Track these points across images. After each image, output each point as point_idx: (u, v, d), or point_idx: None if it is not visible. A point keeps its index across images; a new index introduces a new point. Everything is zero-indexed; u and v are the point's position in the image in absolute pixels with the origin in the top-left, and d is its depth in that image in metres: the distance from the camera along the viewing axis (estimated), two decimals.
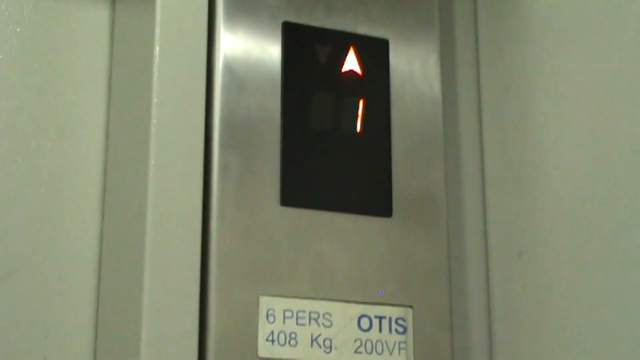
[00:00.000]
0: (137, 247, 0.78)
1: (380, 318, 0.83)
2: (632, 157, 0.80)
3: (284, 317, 0.80)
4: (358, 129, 0.86)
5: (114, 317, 0.82)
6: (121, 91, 0.88)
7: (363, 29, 0.89)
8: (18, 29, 0.87)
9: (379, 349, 0.82)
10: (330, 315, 0.81)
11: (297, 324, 0.80)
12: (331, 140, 0.85)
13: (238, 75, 0.83)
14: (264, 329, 0.79)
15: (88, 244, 0.85)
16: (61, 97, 0.88)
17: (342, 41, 0.87)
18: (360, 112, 0.87)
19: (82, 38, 0.89)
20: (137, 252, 0.78)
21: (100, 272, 0.85)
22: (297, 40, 0.86)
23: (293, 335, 0.80)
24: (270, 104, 0.84)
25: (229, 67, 0.83)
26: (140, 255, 0.78)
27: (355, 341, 0.82)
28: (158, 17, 0.81)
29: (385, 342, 0.83)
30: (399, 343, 0.83)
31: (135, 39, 0.86)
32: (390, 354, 0.83)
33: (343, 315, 0.82)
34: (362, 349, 0.82)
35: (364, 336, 0.82)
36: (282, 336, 0.79)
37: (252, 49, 0.84)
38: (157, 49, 0.81)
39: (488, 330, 0.90)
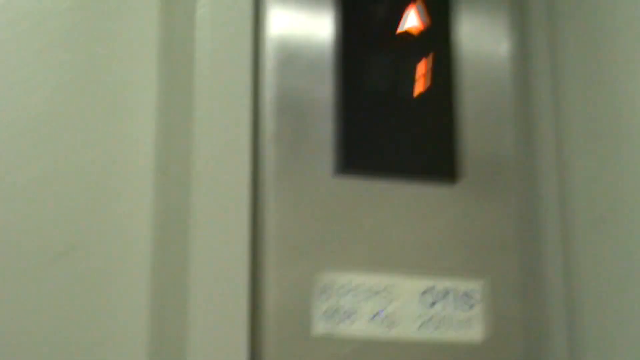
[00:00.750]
0: (184, 224, 0.75)
1: (447, 291, 0.78)
2: None
3: (341, 293, 0.75)
4: (419, 90, 0.81)
5: (165, 298, 0.79)
6: (169, 61, 0.85)
7: None
8: (65, 1, 0.85)
9: (446, 325, 0.77)
10: (391, 289, 0.77)
11: (355, 299, 0.76)
12: (390, 102, 0.80)
13: (289, 38, 0.78)
14: (319, 305, 0.75)
15: (141, 222, 0.82)
16: (111, 70, 0.85)
17: None
18: (422, 72, 0.81)
19: (131, 8, 0.86)
20: (185, 228, 0.75)
21: (153, 250, 0.82)
22: None
23: (351, 312, 0.75)
24: (324, 67, 0.79)
25: (279, 31, 0.78)
26: (187, 231, 0.74)
27: (419, 317, 0.77)
28: None
29: (453, 317, 0.77)
30: (468, 318, 0.78)
31: (181, 5, 0.83)
32: (458, 330, 0.77)
33: (406, 289, 0.77)
34: (427, 325, 0.77)
35: (429, 311, 0.77)
36: (339, 313, 0.75)
37: (304, 9, 0.79)
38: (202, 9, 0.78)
39: (568, 303, 0.84)
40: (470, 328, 0.77)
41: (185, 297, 0.73)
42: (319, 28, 0.79)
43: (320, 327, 0.74)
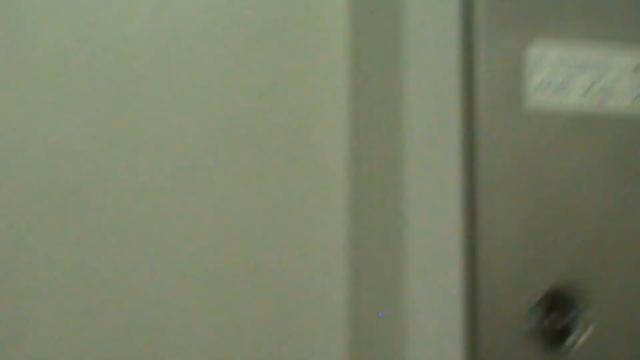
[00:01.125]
0: (394, 34, 0.74)
1: None
2: None
3: (556, 64, 0.74)
4: None
5: (368, 122, 0.78)
6: None
7: None
8: None
9: None
10: (605, 62, 0.74)
11: (570, 70, 0.74)
12: None
13: None
14: (533, 76, 0.73)
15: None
16: None
17: None
18: None
19: None
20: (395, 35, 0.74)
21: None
22: None
23: (565, 83, 0.74)
24: None
25: None
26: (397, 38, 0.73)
27: (632, 90, 0.75)
28: None
29: None
30: None
31: None
32: None
33: (620, 63, 0.75)
34: None
35: None
36: (553, 84, 0.73)
37: None
38: None
39: None
40: None
41: (399, 104, 0.72)
42: None
43: (532, 100, 0.73)
